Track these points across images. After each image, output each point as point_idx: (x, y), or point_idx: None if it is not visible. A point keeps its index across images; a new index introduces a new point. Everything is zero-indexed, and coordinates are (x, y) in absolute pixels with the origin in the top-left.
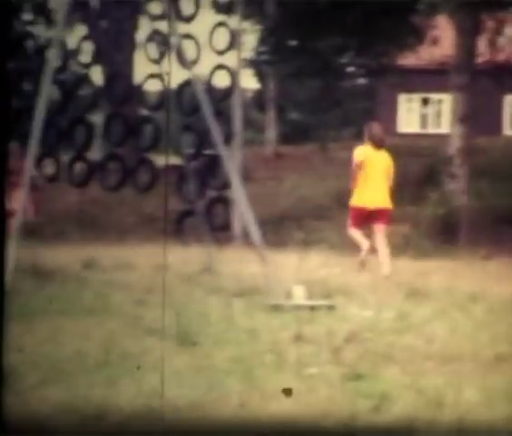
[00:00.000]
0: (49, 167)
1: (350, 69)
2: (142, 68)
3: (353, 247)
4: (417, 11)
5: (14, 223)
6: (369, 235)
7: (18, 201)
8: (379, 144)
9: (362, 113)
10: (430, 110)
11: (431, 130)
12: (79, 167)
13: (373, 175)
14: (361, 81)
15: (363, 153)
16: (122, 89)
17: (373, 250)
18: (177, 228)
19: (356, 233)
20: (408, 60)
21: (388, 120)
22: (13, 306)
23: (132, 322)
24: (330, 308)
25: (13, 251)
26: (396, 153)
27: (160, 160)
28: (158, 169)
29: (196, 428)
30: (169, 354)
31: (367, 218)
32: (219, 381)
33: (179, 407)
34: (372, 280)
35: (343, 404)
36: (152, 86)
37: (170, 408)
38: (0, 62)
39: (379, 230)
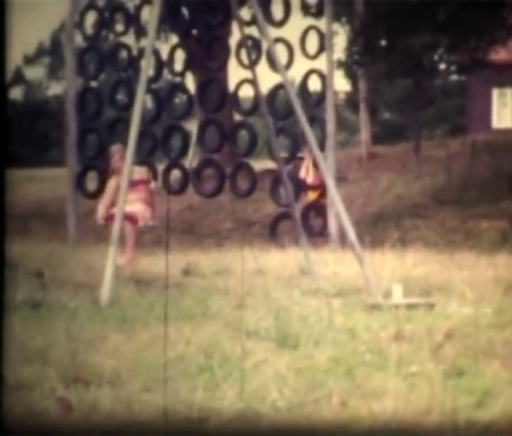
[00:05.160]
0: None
1: (442, 66)
2: (235, 74)
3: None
4: (508, 5)
5: (114, 231)
6: None
7: (117, 208)
8: None
9: (455, 111)
10: None
11: None
12: (175, 174)
13: None
14: (453, 78)
15: None
16: (216, 95)
17: None
18: (273, 231)
19: None
20: (500, 55)
21: (482, 116)
22: (114, 313)
23: (233, 326)
24: (430, 306)
25: (112, 258)
26: (490, 149)
27: (256, 165)
28: (256, 174)
29: (297, 429)
30: (269, 356)
31: None
32: (319, 381)
33: (280, 408)
34: (470, 276)
35: (445, 401)
36: (246, 92)
37: (271, 410)
38: None
39: None
